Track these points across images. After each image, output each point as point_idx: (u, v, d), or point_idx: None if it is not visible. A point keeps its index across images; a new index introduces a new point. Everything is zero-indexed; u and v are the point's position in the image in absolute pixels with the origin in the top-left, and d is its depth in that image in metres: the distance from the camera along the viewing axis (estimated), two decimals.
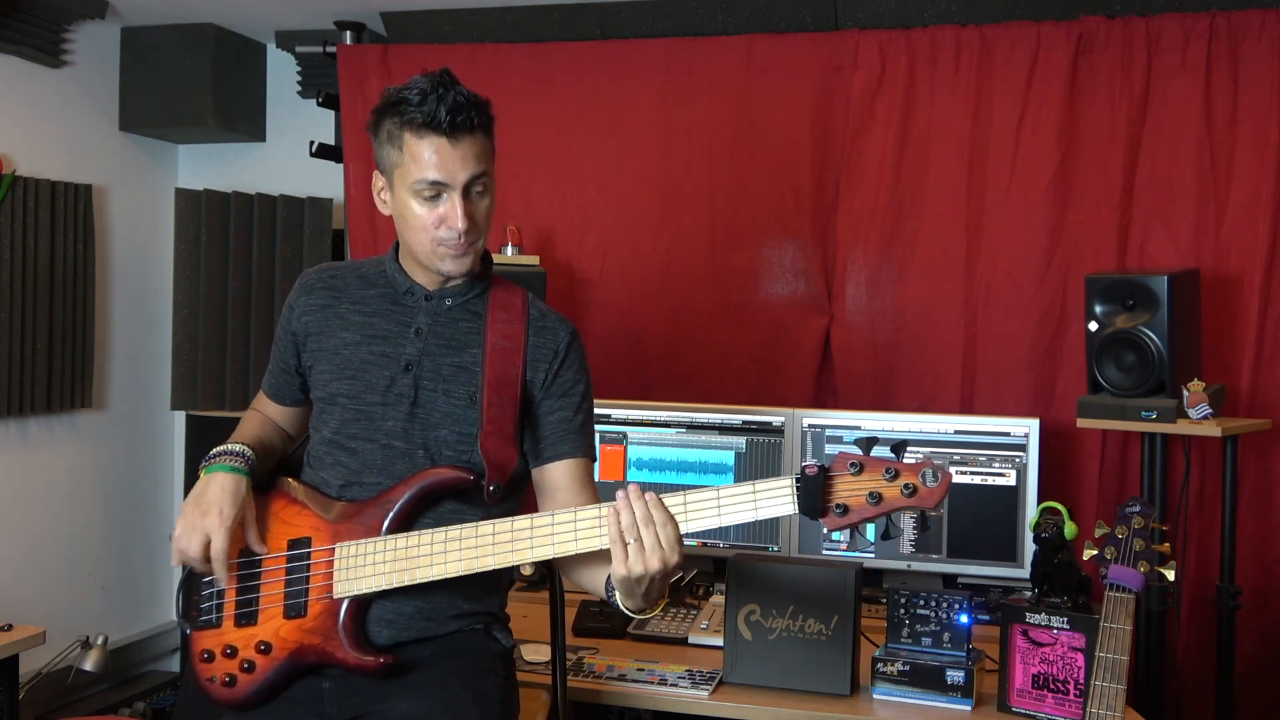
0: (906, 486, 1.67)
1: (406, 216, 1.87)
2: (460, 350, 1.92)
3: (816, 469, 1.70)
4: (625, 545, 1.70)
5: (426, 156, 1.81)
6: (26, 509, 3.77)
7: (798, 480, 1.70)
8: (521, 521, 1.80)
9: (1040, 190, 3.26)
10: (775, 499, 1.72)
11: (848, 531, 1.72)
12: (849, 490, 1.69)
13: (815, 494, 1.69)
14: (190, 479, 4.11)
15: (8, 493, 3.71)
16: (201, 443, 4.00)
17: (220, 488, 1.87)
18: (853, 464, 1.69)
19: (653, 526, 1.69)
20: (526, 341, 1.93)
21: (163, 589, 4.30)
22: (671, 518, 1.71)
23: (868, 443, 1.71)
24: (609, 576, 1.79)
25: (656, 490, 1.74)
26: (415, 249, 1.90)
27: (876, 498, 1.68)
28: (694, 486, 1.75)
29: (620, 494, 1.72)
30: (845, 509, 1.69)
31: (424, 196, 1.84)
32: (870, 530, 1.72)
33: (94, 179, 3.93)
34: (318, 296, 1.99)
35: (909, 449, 1.72)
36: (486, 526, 1.81)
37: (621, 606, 1.79)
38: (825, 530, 1.73)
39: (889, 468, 1.68)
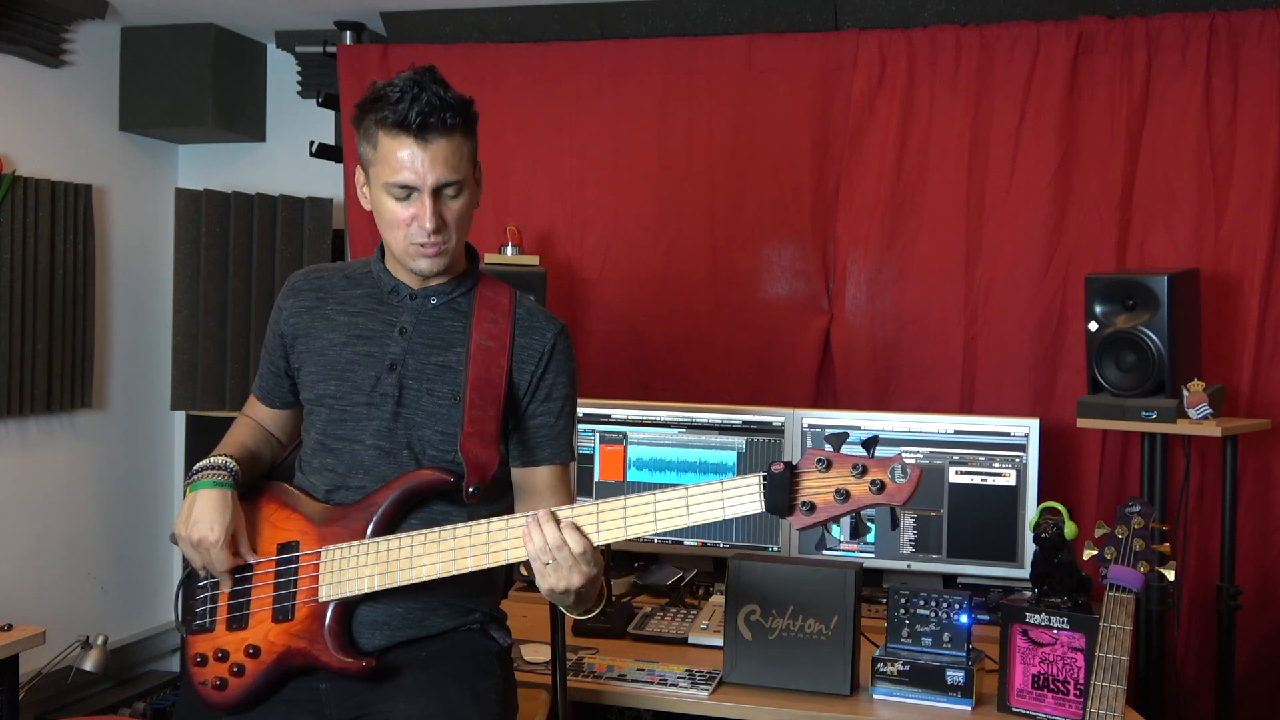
0: (875, 483, 1.62)
1: (382, 213, 1.86)
2: (445, 349, 1.91)
3: (783, 466, 1.66)
4: (544, 564, 1.73)
5: (398, 157, 1.79)
6: (26, 509, 3.77)
7: (765, 478, 1.67)
8: (498, 524, 1.80)
9: (1040, 190, 3.26)
10: (742, 497, 1.69)
11: (820, 529, 1.68)
12: (816, 487, 1.65)
13: (781, 491, 1.65)
14: None
15: (8, 493, 3.70)
16: (201, 443, 4.00)
17: (206, 505, 1.87)
18: (820, 460, 1.66)
19: (565, 548, 1.71)
20: (512, 342, 1.92)
21: (163, 589, 4.30)
22: (583, 536, 1.72)
23: (839, 439, 1.68)
24: None
25: (656, 491, 1.74)
26: (392, 246, 1.89)
27: (844, 495, 1.64)
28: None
29: (530, 518, 1.74)
30: (812, 506, 1.65)
31: (396, 196, 1.83)
32: (835, 529, 1.70)
33: (94, 179, 3.93)
34: (304, 298, 1.99)
35: (881, 445, 1.69)
36: (464, 529, 1.80)
37: (564, 609, 1.84)
38: (795, 529, 1.70)
39: (857, 464, 1.64)
